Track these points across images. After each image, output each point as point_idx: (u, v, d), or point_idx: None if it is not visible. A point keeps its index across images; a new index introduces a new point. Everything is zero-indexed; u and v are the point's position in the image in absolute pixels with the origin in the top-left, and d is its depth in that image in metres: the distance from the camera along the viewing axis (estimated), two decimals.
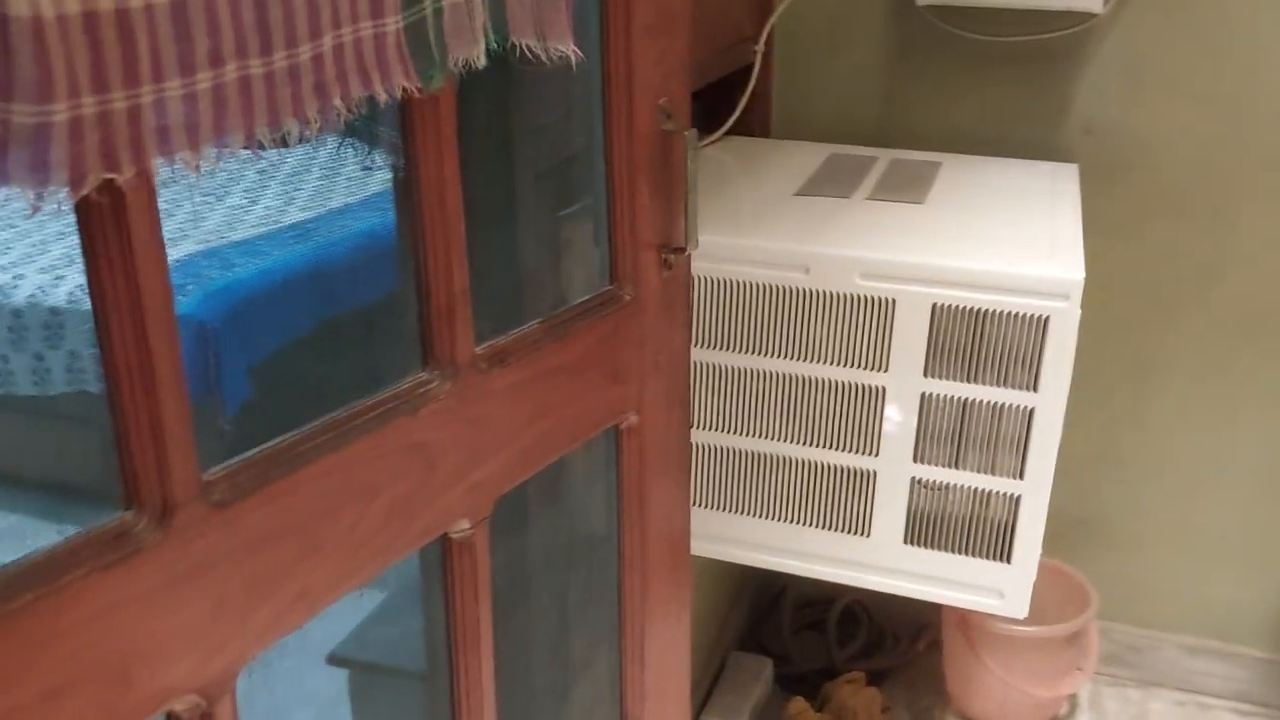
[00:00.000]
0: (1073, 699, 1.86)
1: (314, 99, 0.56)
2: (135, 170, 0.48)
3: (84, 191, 0.45)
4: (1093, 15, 1.53)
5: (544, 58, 0.69)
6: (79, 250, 0.50)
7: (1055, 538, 1.78)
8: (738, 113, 1.66)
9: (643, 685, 0.94)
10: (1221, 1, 1.53)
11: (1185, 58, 1.56)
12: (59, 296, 2.16)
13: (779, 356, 1.21)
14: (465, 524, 0.70)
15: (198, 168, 0.53)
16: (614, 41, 0.77)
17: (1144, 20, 1.56)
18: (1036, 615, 1.54)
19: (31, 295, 2.17)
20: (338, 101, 0.58)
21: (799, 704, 1.75)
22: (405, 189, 0.64)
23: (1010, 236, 1.22)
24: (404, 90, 0.60)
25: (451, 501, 0.68)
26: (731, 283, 1.20)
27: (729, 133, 1.67)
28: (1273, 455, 1.71)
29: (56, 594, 0.49)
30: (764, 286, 1.19)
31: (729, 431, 1.25)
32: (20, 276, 2.22)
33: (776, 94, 1.79)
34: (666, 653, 0.97)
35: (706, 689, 1.82)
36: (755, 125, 1.77)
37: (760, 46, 1.67)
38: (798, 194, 1.38)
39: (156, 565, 0.52)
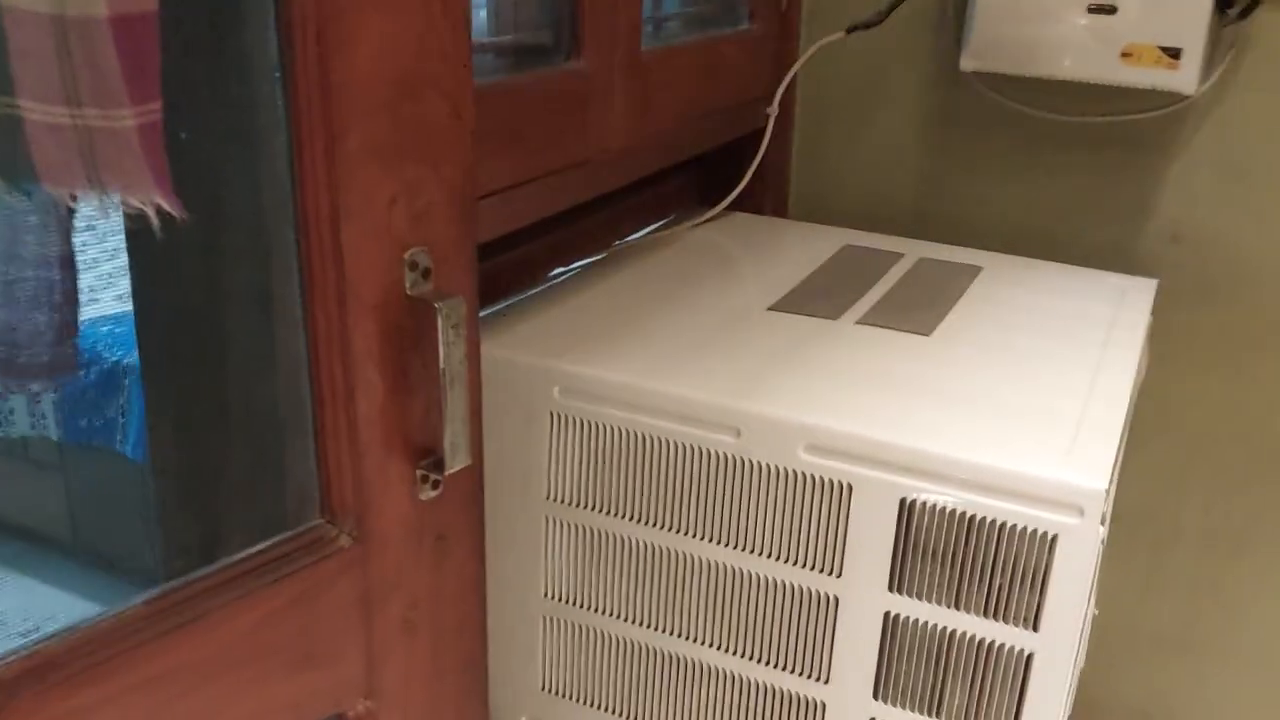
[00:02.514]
0: None
1: None
2: None
3: None
4: (1184, 97, 1.19)
5: (116, 213, 0.43)
6: None
7: None
8: (741, 186, 1.38)
9: None
10: None
11: None
12: None
13: (704, 539, 0.92)
14: None
15: None
16: (307, 174, 0.50)
17: (1248, 104, 1.21)
18: None
19: None
20: None
21: None
22: None
23: (1026, 403, 0.91)
24: None
25: None
26: (646, 438, 0.91)
27: (733, 208, 1.39)
28: None
29: None
30: (686, 448, 0.90)
31: (641, 624, 0.97)
32: None
33: (794, 166, 1.49)
34: None
35: None
36: (767, 201, 1.47)
37: (774, 109, 1.39)
38: (772, 308, 1.09)
39: None
